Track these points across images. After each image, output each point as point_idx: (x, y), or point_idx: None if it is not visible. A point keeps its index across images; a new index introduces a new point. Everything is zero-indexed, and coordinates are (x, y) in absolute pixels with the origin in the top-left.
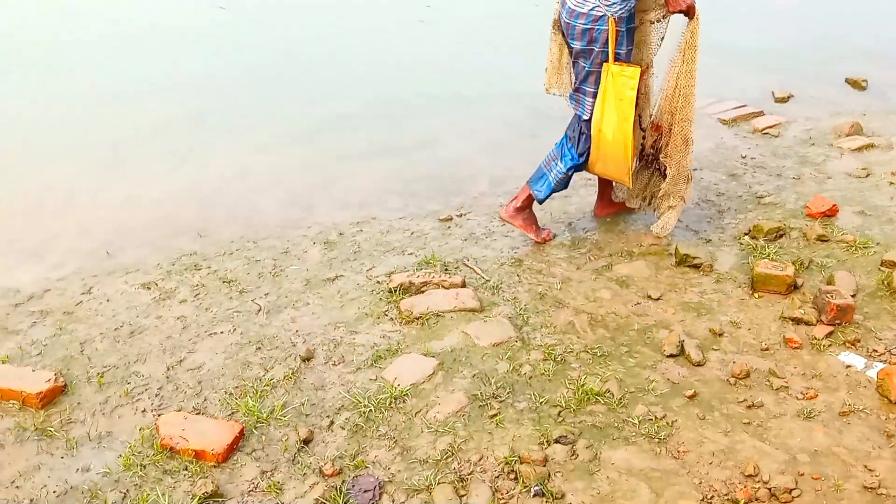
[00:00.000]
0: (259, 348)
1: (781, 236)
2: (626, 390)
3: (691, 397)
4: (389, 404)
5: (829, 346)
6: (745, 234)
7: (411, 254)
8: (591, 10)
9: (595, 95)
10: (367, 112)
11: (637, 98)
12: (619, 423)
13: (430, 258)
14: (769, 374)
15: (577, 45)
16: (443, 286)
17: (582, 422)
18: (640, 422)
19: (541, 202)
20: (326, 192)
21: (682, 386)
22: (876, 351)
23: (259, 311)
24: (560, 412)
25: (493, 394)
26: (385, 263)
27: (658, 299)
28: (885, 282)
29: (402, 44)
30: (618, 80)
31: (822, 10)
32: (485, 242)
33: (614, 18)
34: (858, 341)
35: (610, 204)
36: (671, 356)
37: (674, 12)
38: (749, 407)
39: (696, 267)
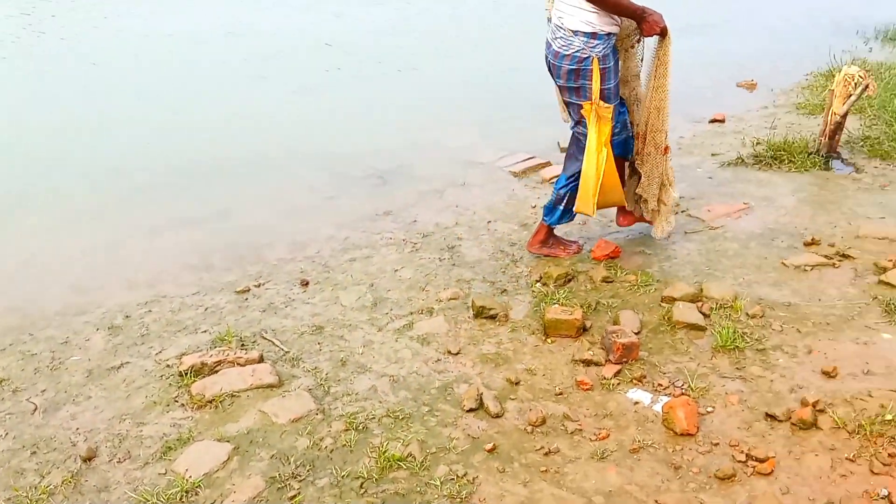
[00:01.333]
0: (34, 452)
1: (570, 280)
2: (428, 451)
3: (491, 451)
4: (180, 499)
5: (618, 384)
6: (537, 281)
7: (205, 331)
8: (576, 51)
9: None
10: (163, 182)
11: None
12: (422, 486)
13: (226, 334)
14: (564, 419)
15: (562, 83)
16: (238, 363)
17: (385, 491)
18: (441, 483)
19: (555, 226)
20: (113, 273)
21: (483, 440)
22: (661, 385)
23: (35, 410)
24: (363, 483)
25: (293, 473)
26: (176, 345)
27: (458, 354)
28: (666, 317)
29: (211, 104)
30: (599, 116)
31: None
32: (284, 312)
33: (598, 58)
34: (644, 377)
35: (629, 214)
36: (471, 410)
37: (649, 36)
38: (546, 454)
39: (493, 318)
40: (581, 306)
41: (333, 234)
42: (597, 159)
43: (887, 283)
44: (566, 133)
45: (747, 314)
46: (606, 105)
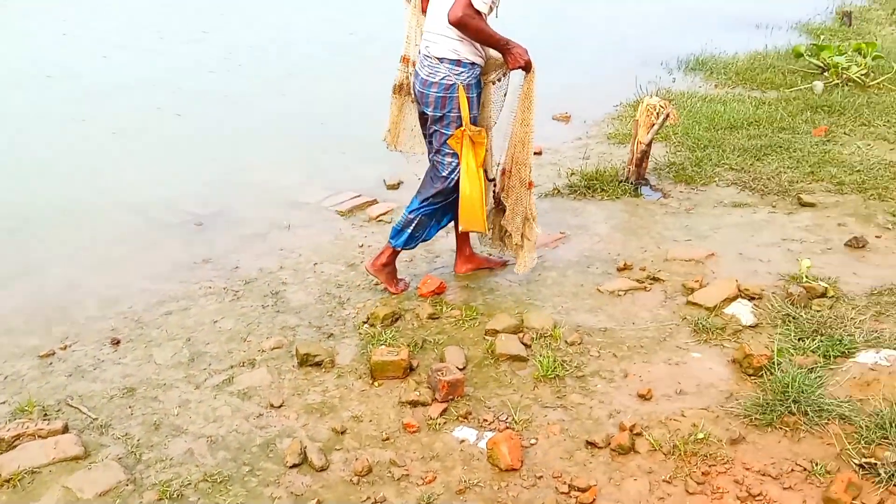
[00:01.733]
0: None
1: (397, 320)
2: None
3: None
4: None
5: (445, 423)
6: (364, 322)
7: (3, 402)
8: (442, 78)
9: (454, 156)
10: None
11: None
12: None
13: (27, 405)
14: (390, 465)
15: (431, 112)
16: (40, 436)
17: None
18: None
19: (400, 249)
20: None
21: (306, 496)
22: (486, 420)
23: None
24: None
25: None
26: None
27: (281, 407)
28: (490, 350)
29: (23, 150)
30: (472, 141)
31: None
32: (93, 375)
33: (463, 85)
34: (470, 413)
35: (470, 259)
36: (294, 466)
37: (513, 69)
38: None
39: (318, 364)
40: (408, 345)
41: (148, 287)
42: (478, 180)
43: (694, 304)
44: (393, 170)
45: (566, 342)
46: (478, 128)
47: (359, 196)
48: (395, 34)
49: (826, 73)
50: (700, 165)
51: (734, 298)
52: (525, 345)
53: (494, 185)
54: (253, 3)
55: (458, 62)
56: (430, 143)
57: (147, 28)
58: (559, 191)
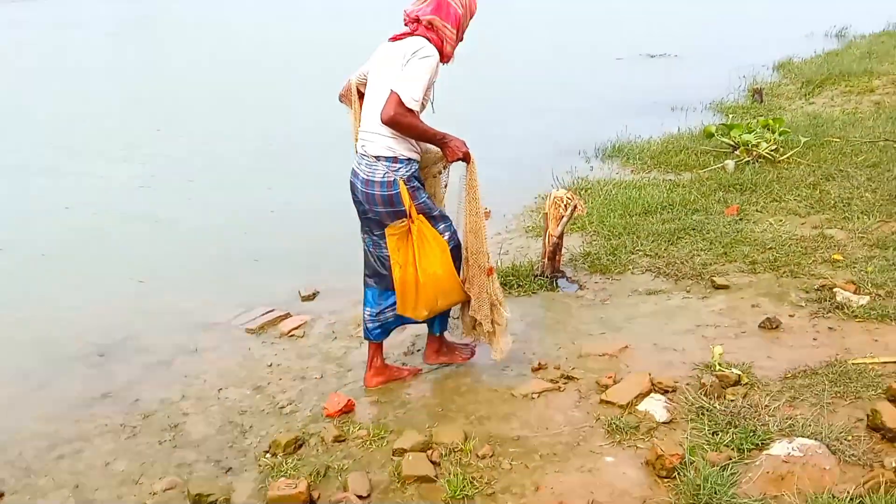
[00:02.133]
0: None
1: (301, 446)
2: None
3: None
4: None
5: None
6: (266, 452)
7: None
8: (383, 176)
9: (445, 219)
10: None
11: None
12: None
13: None
14: None
15: (381, 210)
16: None
17: None
18: None
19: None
20: None
21: None
22: None
23: None
24: None
25: None
26: None
27: None
28: (396, 472)
29: None
30: (425, 226)
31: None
32: None
33: (403, 180)
34: None
35: (382, 370)
36: None
37: (452, 161)
38: None
39: None
40: (309, 475)
41: (40, 430)
42: (445, 256)
43: (608, 402)
44: (309, 280)
45: (477, 455)
46: (425, 218)
47: (271, 311)
48: (320, 138)
49: (737, 152)
50: (615, 254)
51: (647, 394)
52: (434, 462)
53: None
54: (172, 114)
55: (394, 159)
56: (374, 241)
57: (63, 147)
58: None
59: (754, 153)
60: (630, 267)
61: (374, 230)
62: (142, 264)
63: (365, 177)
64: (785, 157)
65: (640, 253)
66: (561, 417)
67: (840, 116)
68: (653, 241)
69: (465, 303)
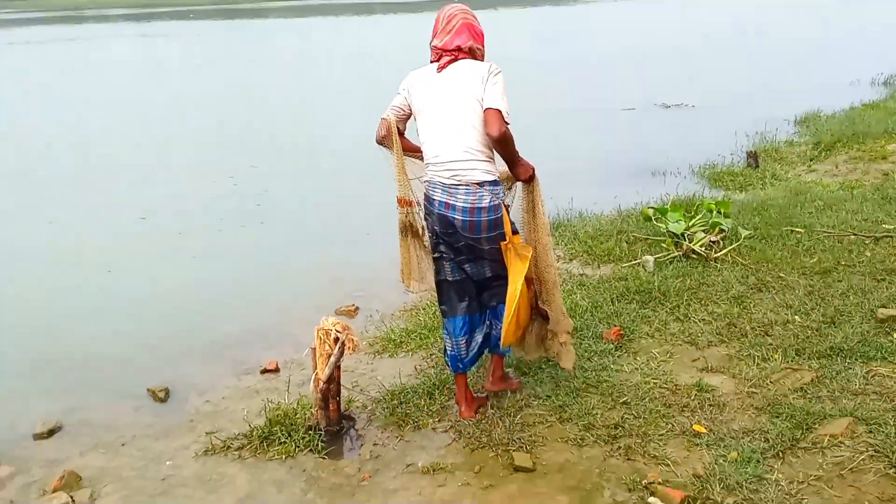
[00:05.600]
0: None
1: None
2: None
3: None
4: None
5: None
6: None
7: None
8: (490, 202)
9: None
10: None
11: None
12: None
13: None
14: None
15: (485, 235)
16: None
17: None
18: None
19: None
20: None
21: None
22: None
23: None
24: None
25: None
26: None
27: None
28: None
29: None
30: (520, 251)
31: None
32: None
33: (503, 202)
34: None
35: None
36: None
37: (522, 181)
38: None
39: None
40: None
41: None
42: (518, 294)
43: None
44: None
45: None
46: (524, 243)
47: None
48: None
49: (664, 244)
50: (431, 395)
51: None
52: None
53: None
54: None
55: (495, 182)
56: (478, 265)
57: None
58: (228, 445)
59: (685, 247)
60: (436, 419)
61: (468, 254)
62: None
63: (468, 205)
64: (721, 253)
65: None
66: None
67: (826, 194)
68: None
69: (539, 321)
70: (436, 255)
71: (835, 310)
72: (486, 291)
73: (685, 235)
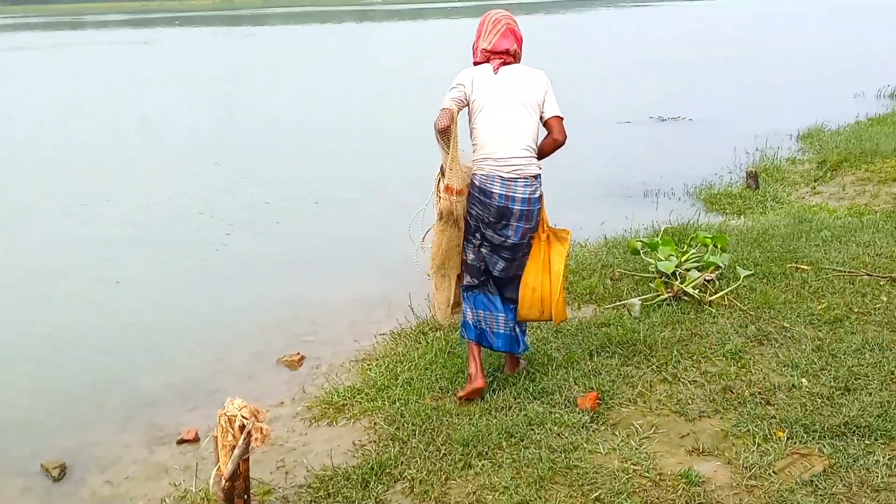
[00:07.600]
0: None
1: None
2: None
3: None
4: None
5: None
6: None
7: None
8: (540, 193)
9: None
10: None
11: None
12: None
13: None
14: None
15: (533, 222)
16: None
17: None
18: None
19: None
20: None
21: None
22: None
23: None
24: None
25: None
26: None
27: None
28: None
29: None
30: (559, 233)
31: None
32: None
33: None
34: None
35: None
36: None
37: None
38: None
39: None
40: None
41: None
42: (549, 274)
43: None
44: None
45: None
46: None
47: None
48: None
49: (653, 284)
50: (366, 485)
51: None
52: None
53: None
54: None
55: (540, 176)
56: (511, 256)
57: None
58: None
59: (676, 288)
60: None
61: (503, 252)
62: None
63: (528, 195)
64: (716, 296)
65: (406, 481)
66: None
67: (833, 222)
68: (441, 458)
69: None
70: (471, 238)
71: (848, 371)
72: (505, 288)
73: (676, 274)
